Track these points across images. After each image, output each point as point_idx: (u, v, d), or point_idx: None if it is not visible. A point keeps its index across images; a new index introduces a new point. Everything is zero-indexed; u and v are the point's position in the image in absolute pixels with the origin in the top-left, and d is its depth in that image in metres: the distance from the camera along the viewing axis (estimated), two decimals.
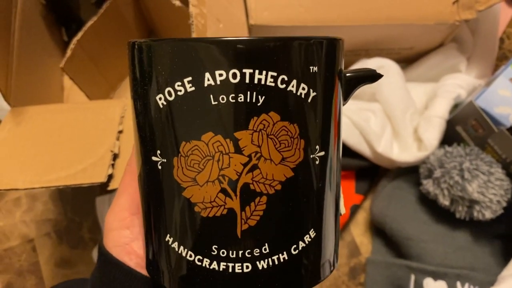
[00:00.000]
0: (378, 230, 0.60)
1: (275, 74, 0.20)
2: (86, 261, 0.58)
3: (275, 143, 0.20)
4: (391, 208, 0.57)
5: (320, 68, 0.21)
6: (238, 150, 0.20)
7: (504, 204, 0.51)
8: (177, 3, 0.48)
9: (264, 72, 0.19)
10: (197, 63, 0.19)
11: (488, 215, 0.51)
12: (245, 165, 0.20)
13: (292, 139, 0.21)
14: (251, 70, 0.19)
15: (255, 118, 0.20)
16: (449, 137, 0.57)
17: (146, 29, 0.65)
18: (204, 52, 0.19)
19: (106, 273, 0.26)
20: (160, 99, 0.20)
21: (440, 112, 0.56)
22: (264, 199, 0.21)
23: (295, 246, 0.22)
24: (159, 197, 0.22)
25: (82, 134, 0.44)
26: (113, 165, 0.41)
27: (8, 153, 0.43)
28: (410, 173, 0.59)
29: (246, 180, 0.20)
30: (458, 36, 0.63)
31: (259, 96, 0.20)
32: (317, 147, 0.22)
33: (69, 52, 0.51)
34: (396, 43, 0.61)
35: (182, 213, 0.21)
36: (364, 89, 0.61)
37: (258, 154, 0.20)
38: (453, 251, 0.53)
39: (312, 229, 0.22)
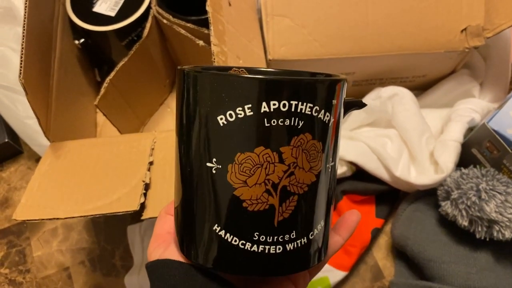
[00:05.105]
0: (400, 253, 0.61)
1: (311, 105, 0.25)
2: (118, 287, 0.61)
3: (307, 156, 0.26)
4: (412, 231, 0.58)
5: (337, 100, 0.27)
6: (281, 161, 0.25)
7: None
8: (201, 42, 0.52)
9: (305, 104, 0.25)
10: (257, 94, 0.24)
11: (508, 234, 0.51)
12: (285, 172, 0.26)
13: (317, 153, 0.26)
14: (296, 102, 0.25)
15: (296, 137, 0.25)
16: (466, 160, 0.59)
17: (173, 67, 0.69)
18: (265, 86, 0.24)
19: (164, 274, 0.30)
20: (221, 119, 0.25)
21: (454, 136, 0.57)
22: (296, 197, 0.26)
23: (311, 232, 0.28)
24: (209, 195, 0.27)
25: (116, 165, 0.48)
26: (145, 194, 0.44)
27: (49, 185, 0.46)
28: (429, 196, 0.60)
29: (284, 183, 0.26)
30: (470, 62, 0.65)
31: (300, 121, 0.25)
32: (331, 158, 0.28)
33: (102, 91, 0.55)
34: (409, 71, 0.63)
35: (232, 208, 0.26)
36: (381, 117, 0.64)
37: (295, 164, 0.26)
38: (476, 271, 0.54)
39: (322, 220, 0.29)
